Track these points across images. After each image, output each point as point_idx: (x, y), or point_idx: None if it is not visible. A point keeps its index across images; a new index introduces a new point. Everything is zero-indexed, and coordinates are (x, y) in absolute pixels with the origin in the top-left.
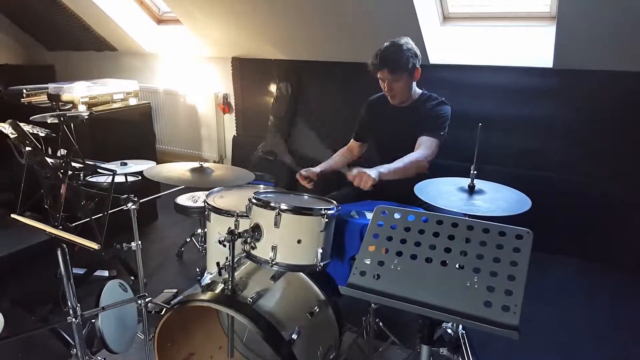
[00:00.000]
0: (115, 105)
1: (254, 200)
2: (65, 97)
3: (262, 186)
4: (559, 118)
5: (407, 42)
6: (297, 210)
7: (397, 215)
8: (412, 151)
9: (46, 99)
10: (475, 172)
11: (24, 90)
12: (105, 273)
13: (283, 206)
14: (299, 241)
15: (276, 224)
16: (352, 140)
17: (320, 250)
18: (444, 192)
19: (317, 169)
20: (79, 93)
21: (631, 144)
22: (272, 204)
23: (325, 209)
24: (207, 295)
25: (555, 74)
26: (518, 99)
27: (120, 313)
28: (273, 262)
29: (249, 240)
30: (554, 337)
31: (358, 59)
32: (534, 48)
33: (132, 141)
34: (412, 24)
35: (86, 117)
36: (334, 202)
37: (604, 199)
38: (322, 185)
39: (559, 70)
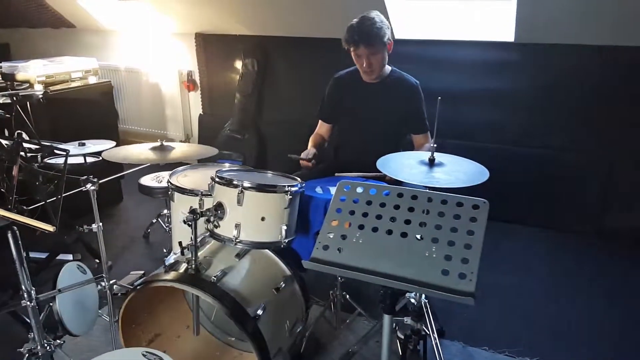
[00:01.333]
0: (73, 84)
1: (216, 179)
2: (20, 76)
3: (227, 164)
4: (519, 91)
5: (378, 14)
6: (260, 188)
7: (359, 190)
8: (385, 130)
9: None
10: (434, 145)
11: None
12: (69, 257)
13: (246, 184)
14: (262, 218)
15: (239, 202)
16: (320, 122)
17: (284, 227)
18: (405, 166)
19: (312, 149)
20: (34, 72)
21: (587, 116)
22: (234, 182)
23: (288, 185)
24: (170, 275)
25: (516, 48)
26: (481, 73)
27: (79, 295)
28: (237, 240)
29: (212, 219)
30: (513, 302)
31: (325, 34)
32: (497, 22)
33: (92, 121)
34: None
35: (41, 96)
36: (298, 178)
37: (561, 169)
38: (288, 163)
39: (520, 44)
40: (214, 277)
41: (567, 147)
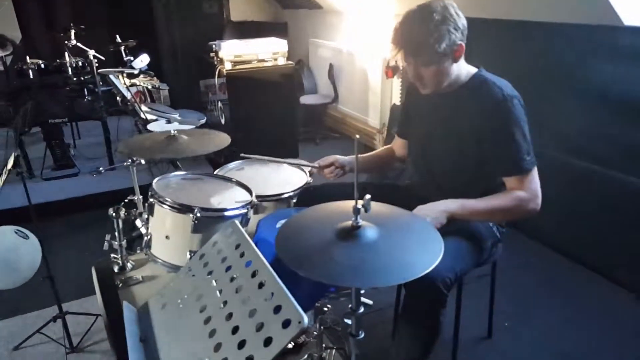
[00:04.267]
0: (259, 65)
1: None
2: (220, 54)
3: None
4: None
5: (446, 6)
6: (163, 202)
7: (234, 241)
8: (454, 159)
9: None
10: (363, 207)
11: (213, 46)
12: None
13: (157, 194)
14: (167, 237)
15: (151, 212)
16: (396, 136)
17: (189, 254)
18: (314, 237)
19: (332, 157)
20: (226, 51)
21: None
22: (151, 187)
23: (202, 208)
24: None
25: None
26: None
27: (10, 254)
28: (147, 251)
29: (140, 220)
30: None
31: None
32: None
33: (270, 99)
34: None
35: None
36: (250, 200)
37: None
38: None
39: None
40: (123, 280)
41: None
